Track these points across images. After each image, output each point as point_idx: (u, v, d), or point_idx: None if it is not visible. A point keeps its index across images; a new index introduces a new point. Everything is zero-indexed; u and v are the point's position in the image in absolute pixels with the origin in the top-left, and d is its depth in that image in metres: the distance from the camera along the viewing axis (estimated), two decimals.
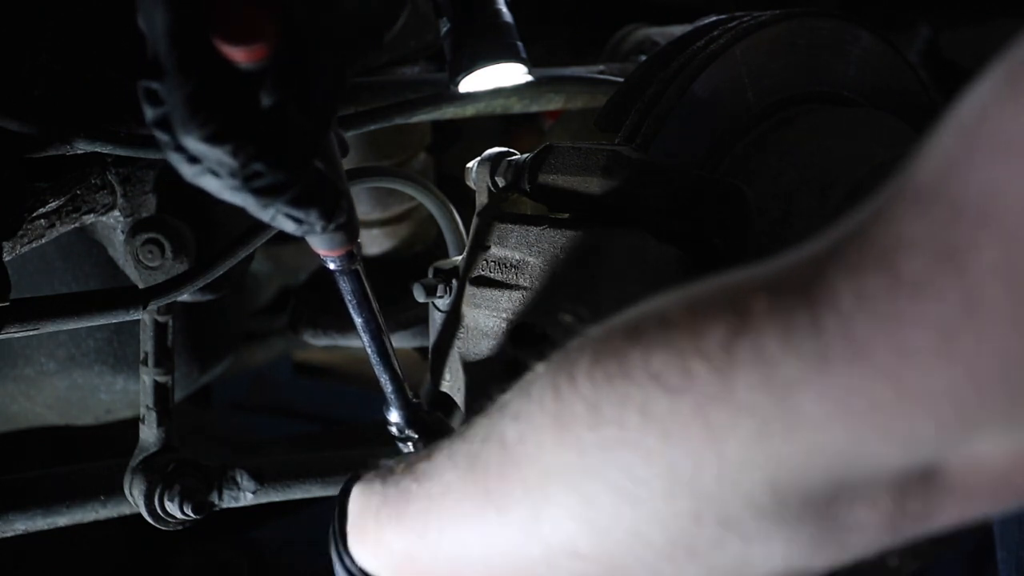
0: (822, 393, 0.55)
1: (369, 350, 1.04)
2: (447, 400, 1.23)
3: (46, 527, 1.29)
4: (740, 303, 0.59)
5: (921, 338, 0.52)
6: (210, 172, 0.74)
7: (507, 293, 1.00)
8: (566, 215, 1.01)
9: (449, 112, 1.31)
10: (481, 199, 1.08)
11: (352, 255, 0.95)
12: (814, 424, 0.55)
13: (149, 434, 1.25)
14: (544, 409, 0.67)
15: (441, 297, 1.10)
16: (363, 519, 0.86)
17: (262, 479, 1.30)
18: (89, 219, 1.25)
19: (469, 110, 1.33)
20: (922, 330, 0.52)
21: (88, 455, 1.38)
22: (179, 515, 1.24)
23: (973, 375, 0.51)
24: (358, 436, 1.65)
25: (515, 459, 0.69)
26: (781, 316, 0.56)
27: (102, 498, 1.30)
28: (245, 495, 1.29)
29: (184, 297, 1.23)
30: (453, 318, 1.08)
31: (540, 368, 0.69)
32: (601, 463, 0.63)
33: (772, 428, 0.56)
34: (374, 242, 1.62)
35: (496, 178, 1.07)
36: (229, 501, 1.29)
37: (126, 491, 1.26)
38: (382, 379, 1.07)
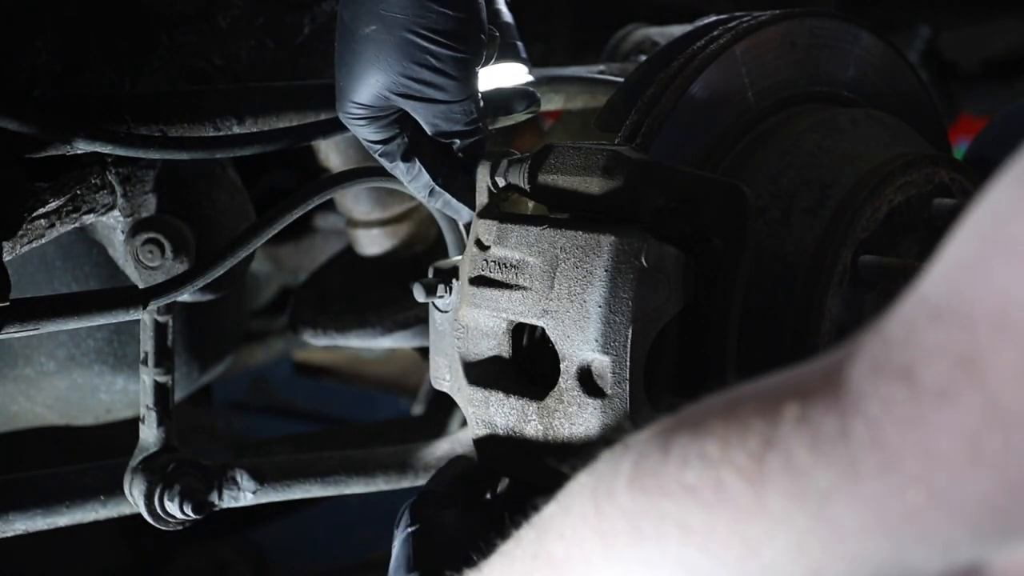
0: (856, 502, 0.54)
1: None
2: (447, 400, 1.23)
3: (46, 527, 1.29)
4: (771, 412, 0.58)
5: (948, 444, 0.51)
6: None
7: (507, 293, 1.00)
8: (566, 215, 1.01)
9: None
10: (481, 199, 1.07)
11: None
12: (852, 534, 0.55)
13: (149, 434, 1.25)
14: (587, 525, 0.68)
15: (441, 297, 1.10)
16: None
17: (262, 479, 1.30)
18: (89, 219, 1.25)
19: None
20: (948, 436, 0.51)
21: (88, 455, 1.38)
22: (179, 515, 1.23)
23: (1005, 479, 0.51)
24: (358, 436, 1.65)
25: None
26: (810, 425, 0.56)
27: (102, 498, 1.30)
28: (245, 495, 1.29)
29: (184, 297, 1.23)
30: (453, 318, 1.08)
31: (582, 478, 0.71)
32: None
33: (810, 540, 0.56)
34: (374, 242, 1.62)
35: (496, 178, 1.06)
36: (229, 501, 1.29)
37: (126, 491, 1.26)
38: None
